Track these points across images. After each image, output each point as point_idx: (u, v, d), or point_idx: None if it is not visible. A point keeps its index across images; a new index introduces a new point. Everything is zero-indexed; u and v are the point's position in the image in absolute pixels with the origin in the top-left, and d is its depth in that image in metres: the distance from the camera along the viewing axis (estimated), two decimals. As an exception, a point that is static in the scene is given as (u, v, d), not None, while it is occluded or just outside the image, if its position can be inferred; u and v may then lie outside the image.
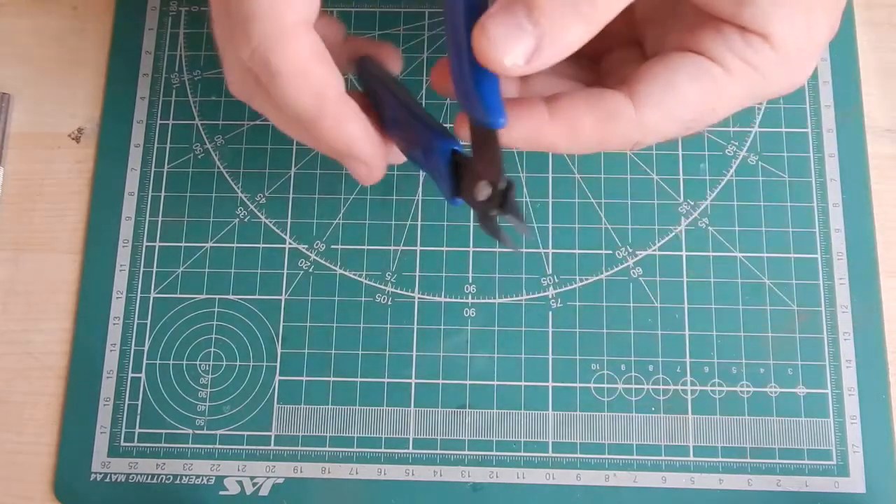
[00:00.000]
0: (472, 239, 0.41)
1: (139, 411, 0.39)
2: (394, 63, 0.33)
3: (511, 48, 0.23)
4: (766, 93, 0.27)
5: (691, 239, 0.40)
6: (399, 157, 0.31)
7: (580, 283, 0.40)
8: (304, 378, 0.39)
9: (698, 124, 0.27)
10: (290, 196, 0.42)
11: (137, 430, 0.39)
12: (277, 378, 0.39)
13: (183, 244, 0.41)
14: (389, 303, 0.40)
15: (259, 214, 0.41)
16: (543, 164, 0.42)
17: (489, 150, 0.26)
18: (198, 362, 0.40)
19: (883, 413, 0.38)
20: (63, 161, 0.43)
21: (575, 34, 0.23)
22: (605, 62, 0.31)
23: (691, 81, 0.26)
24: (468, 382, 0.39)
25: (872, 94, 0.42)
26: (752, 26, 0.25)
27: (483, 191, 0.27)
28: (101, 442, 0.39)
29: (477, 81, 0.25)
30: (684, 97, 0.26)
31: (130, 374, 0.40)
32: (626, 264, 0.40)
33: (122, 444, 0.39)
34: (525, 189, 0.41)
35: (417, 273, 0.40)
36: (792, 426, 0.38)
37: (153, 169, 0.42)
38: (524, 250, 0.40)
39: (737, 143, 0.42)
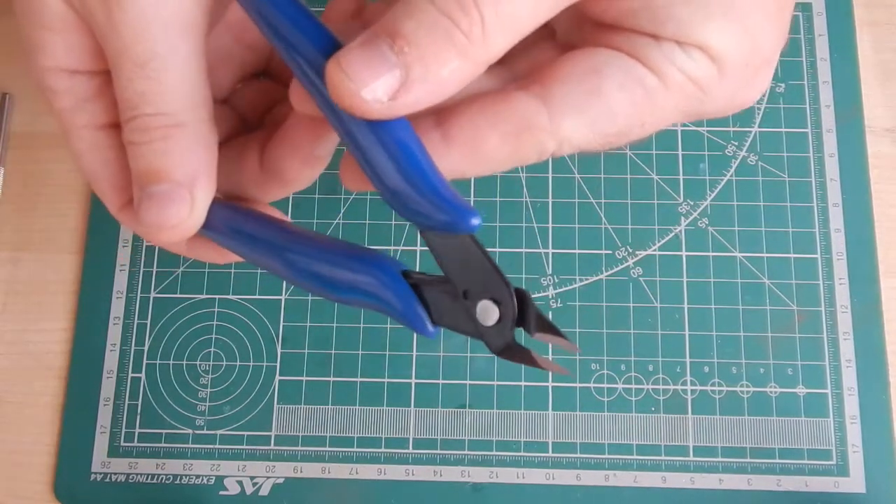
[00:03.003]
0: (472, 239, 0.41)
1: (139, 411, 0.39)
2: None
3: (370, 80, 0.19)
4: (705, 112, 0.23)
5: (691, 239, 0.40)
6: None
7: (580, 283, 0.40)
8: (304, 378, 0.39)
9: (622, 139, 0.22)
10: (291, 196, 0.41)
11: (137, 430, 0.39)
12: (277, 378, 0.39)
13: (183, 244, 0.41)
14: (389, 303, 0.40)
15: (259, 214, 0.41)
16: (543, 163, 0.42)
17: (469, 258, 0.21)
18: (198, 362, 0.40)
19: (883, 413, 0.38)
20: (63, 161, 0.43)
21: (451, 71, 0.20)
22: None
23: (621, 90, 0.21)
24: (468, 382, 0.39)
25: (872, 94, 0.42)
26: (682, 40, 0.21)
27: (488, 313, 0.21)
28: (101, 442, 0.39)
29: (411, 168, 0.20)
30: (611, 108, 0.21)
31: (130, 374, 0.40)
32: (626, 264, 0.40)
33: (122, 444, 0.39)
34: (525, 189, 0.41)
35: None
36: (792, 426, 0.38)
37: (153, 169, 0.42)
38: (524, 250, 0.40)
39: (737, 143, 0.42)
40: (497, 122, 0.21)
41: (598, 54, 0.22)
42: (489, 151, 0.21)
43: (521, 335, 0.21)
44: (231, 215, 0.25)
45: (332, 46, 0.21)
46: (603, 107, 0.21)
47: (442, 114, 0.22)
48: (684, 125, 0.42)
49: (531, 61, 0.24)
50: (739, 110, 0.24)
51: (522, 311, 0.21)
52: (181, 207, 0.23)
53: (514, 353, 0.21)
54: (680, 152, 0.42)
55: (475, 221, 0.20)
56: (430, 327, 0.22)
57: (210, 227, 0.24)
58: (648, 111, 0.22)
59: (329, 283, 0.23)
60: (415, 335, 0.39)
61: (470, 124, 0.21)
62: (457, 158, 0.21)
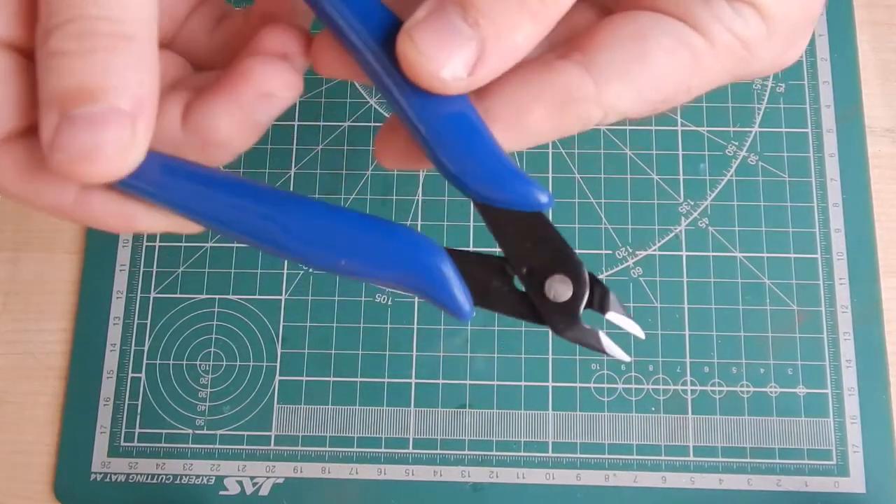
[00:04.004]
0: (472, 239, 0.41)
1: (139, 411, 0.39)
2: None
3: (448, 58, 0.19)
4: (751, 72, 0.23)
5: (691, 239, 0.40)
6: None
7: (580, 283, 0.40)
8: (304, 378, 0.39)
9: (668, 104, 0.22)
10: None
11: (137, 430, 0.39)
12: (277, 378, 0.39)
13: (183, 244, 0.41)
14: (389, 303, 0.40)
15: (259, 214, 0.41)
16: (543, 163, 0.42)
17: (534, 236, 0.20)
18: (198, 362, 0.40)
19: (883, 413, 0.38)
20: (63, 161, 0.43)
21: (523, 35, 0.19)
22: None
23: (666, 55, 0.21)
24: (468, 382, 0.39)
25: (872, 94, 0.42)
26: None
27: (559, 290, 0.20)
28: (101, 442, 0.39)
29: (481, 144, 0.20)
30: (656, 73, 0.21)
31: (130, 374, 0.40)
32: (626, 264, 0.40)
33: (122, 444, 0.39)
34: (525, 189, 0.41)
35: (417, 273, 0.40)
36: (792, 426, 0.38)
37: (153, 169, 0.42)
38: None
39: (737, 143, 0.42)
40: (540, 94, 0.21)
41: (641, 17, 0.21)
42: (533, 125, 0.21)
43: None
44: (176, 163, 0.20)
45: (387, 18, 0.20)
46: (649, 73, 0.21)
47: (483, 89, 0.21)
48: (684, 125, 0.42)
49: (570, 26, 0.23)
50: (783, 69, 0.23)
51: (592, 289, 0.21)
52: (120, 132, 0.18)
53: (580, 333, 0.21)
54: (680, 152, 0.42)
55: (545, 199, 0.20)
56: (466, 307, 0.20)
57: (143, 178, 0.20)
58: (696, 74, 0.21)
59: (343, 250, 0.20)
60: (415, 335, 0.40)
61: (512, 98, 0.21)
62: (500, 134, 0.21)
